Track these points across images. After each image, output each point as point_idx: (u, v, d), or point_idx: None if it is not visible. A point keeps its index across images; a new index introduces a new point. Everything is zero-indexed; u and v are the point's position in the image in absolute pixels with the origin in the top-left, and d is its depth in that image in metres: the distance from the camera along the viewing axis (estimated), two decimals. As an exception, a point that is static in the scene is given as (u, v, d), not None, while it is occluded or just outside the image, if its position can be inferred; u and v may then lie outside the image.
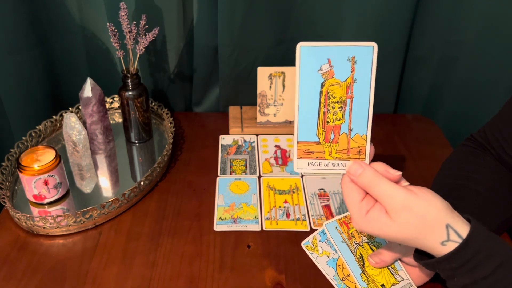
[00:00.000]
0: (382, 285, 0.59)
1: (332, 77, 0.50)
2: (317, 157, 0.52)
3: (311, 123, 0.51)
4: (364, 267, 0.60)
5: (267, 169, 0.88)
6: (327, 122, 0.51)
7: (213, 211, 0.79)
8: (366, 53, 0.50)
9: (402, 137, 0.99)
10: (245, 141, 0.96)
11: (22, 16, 0.88)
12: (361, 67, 0.50)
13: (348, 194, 0.52)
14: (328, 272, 0.61)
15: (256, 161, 0.90)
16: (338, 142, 0.52)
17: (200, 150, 0.94)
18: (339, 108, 0.51)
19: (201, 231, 0.75)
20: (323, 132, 0.51)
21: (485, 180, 0.69)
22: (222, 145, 0.95)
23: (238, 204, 0.80)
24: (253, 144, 0.95)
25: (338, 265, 0.61)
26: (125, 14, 0.82)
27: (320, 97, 0.50)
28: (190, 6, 0.92)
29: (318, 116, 0.51)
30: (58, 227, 0.73)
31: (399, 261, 0.62)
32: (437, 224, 0.49)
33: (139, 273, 0.67)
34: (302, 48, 0.50)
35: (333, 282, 0.60)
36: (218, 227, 0.76)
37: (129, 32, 0.83)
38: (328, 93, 0.50)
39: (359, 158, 0.53)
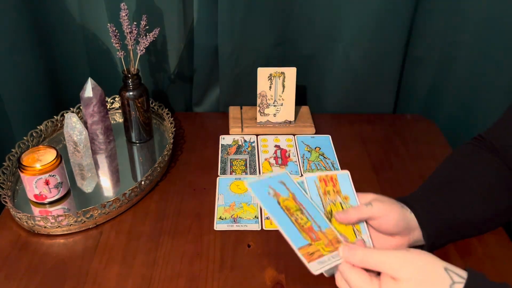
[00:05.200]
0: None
1: (280, 196, 0.58)
2: (319, 256, 0.55)
3: (294, 232, 0.56)
4: (331, 222, 0.62)
5: (267, 169, 0.89)
6: (302, 226, 0.57)
7: (213, 210, 0.79)
8: (285, 177, 0.61)
9: (401, 137, 0.99)
10: (245, 141, 0.97)
11: (22, 17, 0.88)
12: (290, 186, 0.60)
13: (357, 280, 0.53)
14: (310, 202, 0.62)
15: (256, 161, 0.91)
16: (320, 239, 0.56)
17: (201, 150, 0.94)
18: (301, 214, 0.58)
19: (201, 231, 0.75)
20: (306, 235, 0.56)
21: (480, 175, 0.71)
22: (222, 145, 0.95)
23: (238, 203, 0.80)
24: (253, 144, 0.95)
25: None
26: (126, 15, 0.82)
27: (284, 211, 0.57)
28: (190, 6, 0.92)
29: (294, 224, 0.56)
30: (59, 226, 0.73)
31: (365, 225, 0.63)
32: (437, 270, 0.50)
33: (140, 273, 0.68)
34: (251, 185, 0.57)
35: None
36: (218, 226, 0.76)
37: (130, 32, 0.84)
38: (286, 206, 0.57)
39: (337, 244, 0.57)
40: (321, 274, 0.55)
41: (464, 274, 0.50)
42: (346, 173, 0.66)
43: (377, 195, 0.65)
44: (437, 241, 0.67)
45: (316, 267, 0.53)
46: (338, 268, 0.55)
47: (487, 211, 0.70)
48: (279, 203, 0.57)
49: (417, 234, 0.65)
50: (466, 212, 0.68)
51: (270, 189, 0.58)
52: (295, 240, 0.55)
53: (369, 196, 0.65)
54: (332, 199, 0.64)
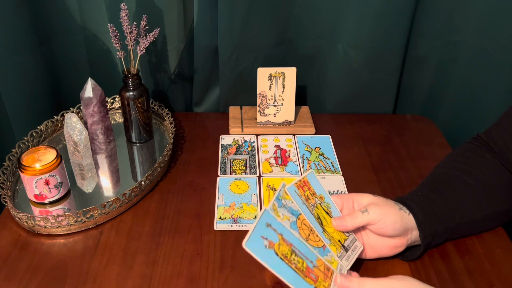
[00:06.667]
0: (339, 240, 0.64)
1: (274, 245, 0.57)
2: None
3: (300, 281, 0.57)
4: (322, 225, 0.64)
5: (267, 169, 0.89)
6: (302, 270, 0.58)
7: (213, 210, 0.79)
8: (268, 215, 0.58)
9: (401, 137, 0.99)
10: (245, 141, 0.97)
11: (23, 17, 0.88)
12: (275, 226, 0.59)
13: None
14: (295, 234, 0.61)
15: (256, 161, 0.91)
16: (318, 276, 0.59)
17: (201, 150, 0.94)
18: (295, 256, 0.58)
19: (201, 231, 0.75)
20: (309, 279, 0.58)
21: (478, 174, 0.71)
22: (222, 145, 0.95)
23: (238, 203, 0.80)
24: (253, 144, 0.96)
25: (298, 227, 0.62)
26: (126, 15, 0.82)
27: (283, 261, 0.57)
28: (190, 6, 0.93)
29: (297, 272, 0.57)
30: (59, 226, 0.73)
31: (334, 204, 0.67)
32: None
33: (140, 273, 0.68)
34: (248, 245, 0.55)
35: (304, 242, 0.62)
36: (218, 226, 0.76)
37: (130, 32, 0.84)
38: (283, 254, 0.57)
39: (330, 272, 0.61)
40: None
41: None
42: (311, 171, 0.67)
43: (374, 198, 0.65)
44: (434, 241, 0.67)
45: None
46: None
47: (486, 212, 0.70)
48: (277, 254, 0.57)
49: (415, 234, 0.65)
50: (465, 213, 0.68)
51: (265, 240, 0.57)
52: None
53: (366, 198, 0.65)
54: (313, 203, 0.64)
